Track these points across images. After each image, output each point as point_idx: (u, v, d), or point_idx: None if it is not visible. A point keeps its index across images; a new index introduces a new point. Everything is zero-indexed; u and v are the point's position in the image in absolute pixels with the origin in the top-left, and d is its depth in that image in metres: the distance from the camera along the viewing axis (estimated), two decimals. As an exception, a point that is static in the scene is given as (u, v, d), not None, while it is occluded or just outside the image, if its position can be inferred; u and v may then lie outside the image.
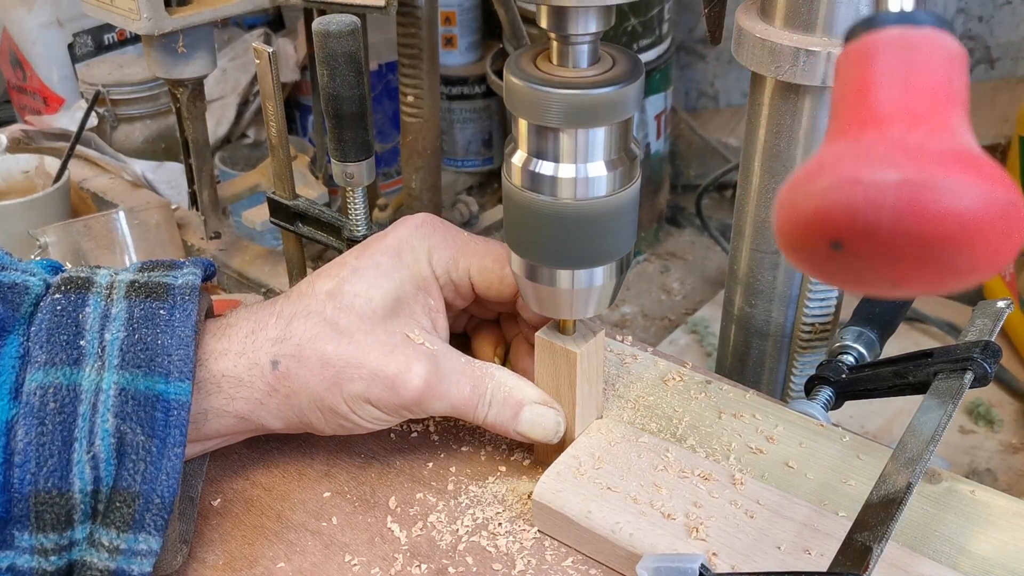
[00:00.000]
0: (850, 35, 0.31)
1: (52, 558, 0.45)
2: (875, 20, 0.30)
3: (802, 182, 0.28)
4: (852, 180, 0.27)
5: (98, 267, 0.52)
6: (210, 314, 0.54)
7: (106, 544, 0.45)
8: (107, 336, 0.47)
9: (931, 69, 0.28)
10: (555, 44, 0.44)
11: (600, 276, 0.48)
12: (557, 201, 0.46)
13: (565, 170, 0.45)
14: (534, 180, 0.46)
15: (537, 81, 0.43)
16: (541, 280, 0.49)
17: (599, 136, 0.44)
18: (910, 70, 0.28)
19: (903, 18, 0.29)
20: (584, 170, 0.45)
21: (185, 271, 0.52)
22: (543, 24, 0.43)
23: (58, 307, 0.48)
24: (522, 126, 0.46)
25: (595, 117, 0.43)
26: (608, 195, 0.46)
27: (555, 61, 0.45)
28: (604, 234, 0.47)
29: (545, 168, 0.45)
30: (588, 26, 0.43)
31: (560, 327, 0.52)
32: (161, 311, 0.48)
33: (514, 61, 0.45)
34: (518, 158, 0.46)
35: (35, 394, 0.45)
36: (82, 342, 0.47)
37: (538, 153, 0.45)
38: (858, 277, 0.28)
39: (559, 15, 0.43)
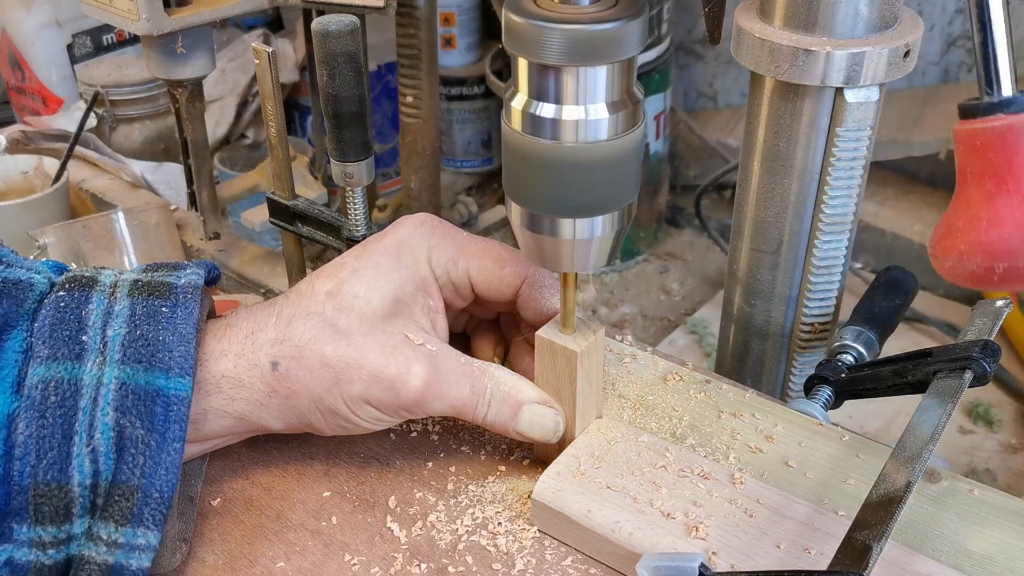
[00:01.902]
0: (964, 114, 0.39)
1: (50, 551, 0.45)
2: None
3: (953, 249, 0.38)
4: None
5: (103, 268, 0.52)
6: (212, 315, 0.55)
7: (104, 538, 0.45)
8: (109, 332, 0.47)
9: None
10: None
11: (601, 226, 0.47)
12: (558, 144, 0.44)
13: (567, 112, 0.44)
14: (534, 123, 0.45)
15: (537, 17, 0.42)
16: (542, 231, 0.48)
17: (600, 75, 0.43)
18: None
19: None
20: (585, 112, 0.44)
21: (188, 271, 0.52)
22: None
23: (62, 304, 0.48)
24: (522, 66, 0.44)
25: (596, 54, 0.42)
26: (610, 138, 0.45)
27: None
28: (606, 180, 0.46)
29: (545, 110, 0.44)
30: None
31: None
32: (163, 308, 0.49)
33: (514, 0, 0.44)
34: (518, 101, 0.45)
35: (36, 388, 0.45)
36: (84, 338, 0.47)
37: (538, 95, 0.44)
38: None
39: None
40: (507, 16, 0.43)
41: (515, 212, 0.48)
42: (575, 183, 0.45)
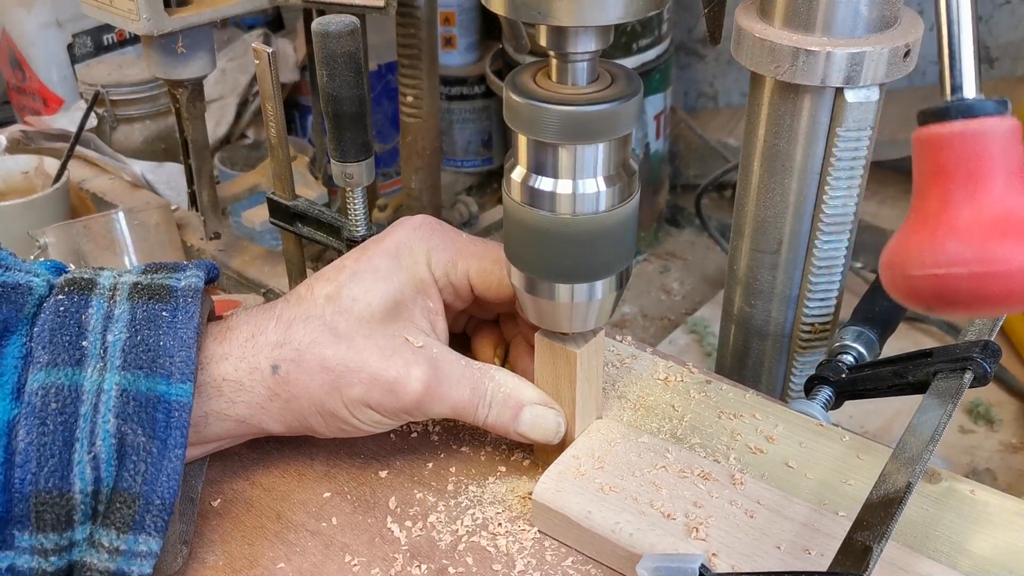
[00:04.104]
0: (923, 119, 0.38)
1: (52, 558, 0.45)
2: (945, 112, 0.37)
3: (897, 263, 0.38)
4: (932, 275, 0.36)
5: (101, 268, 0.52)
6: (212, 316, 0.54)
7: (106, 545, 0.45)
8: (109, 337, 0.47)
9: (991, 155, 0.36)
10: (554, 62, 0.45)
11: (600, 290, 0.49)
12: (556, 216, 0.46)
13: (563, 186, 0.46)
14: (533, 195, 0.46)
15: (536, 97, 0.44)
16: (541, 294, 0.49)
17: (597, 152, 0.45)
18: (973, 162, 0.36)
19: (967, 110, 0.37)
20: (582, 186, 0.46)
21: (188, 273, 0.52)
22: (543, 43, 0.44)
23: (61, 308, 0.48)
24: (521, 142, 0.46)
25: (593, 133, 0.44)
26: (607, 210, 0.46)
27: (554, 78, 0.45)
28: (603, 249, 0.47)
29: (544, 184, 0.46)
30: (587, 45, 0.43)
31: None
32: (164, 313, 0.48)
33: (514, 78, 0.46)
34: (517, 174, 0.47)
35: (37, 394, 0.45)
36: (84, 343, 0.47)
37: (537, 169, 0.46)
38: (950, 316, 0.38)
39: (558, 34, 0.43)
40: (507, 95, 0.45)
41: (515, 275, 0.50)
42: (572, 252, 0.47)
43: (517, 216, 0.48)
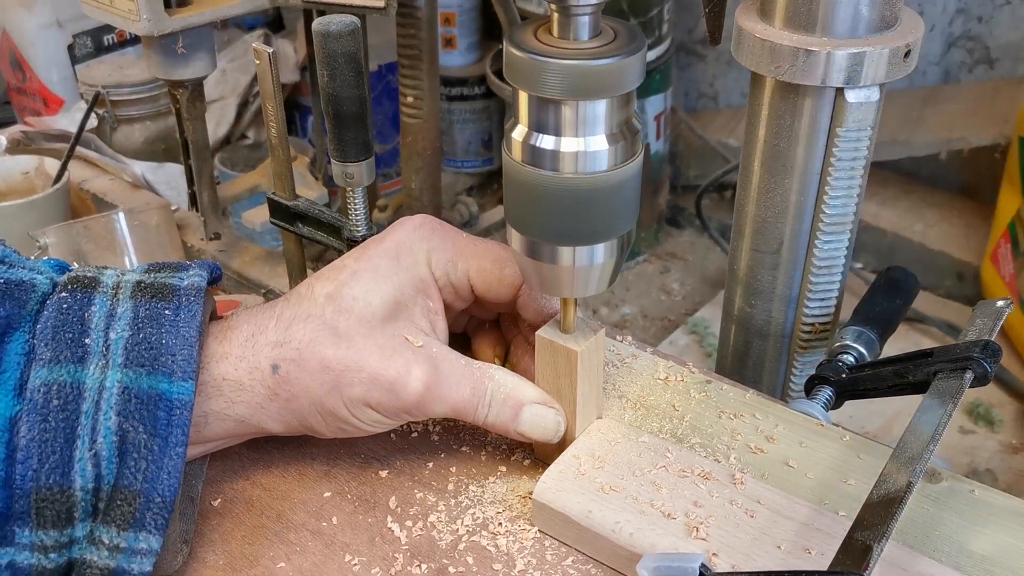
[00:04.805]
0: None
1: (52, 555, 0.45)
2: None
3: None
4: None
5: (105, 267, 0.52)
6: (214, 316, 0.55)
7: (106, 542, 0.45)
8: (112, 335, 0.47)
9: None
10: (556, 16, 0.44)
11: (601, 253, 0.48)
12: (558, 175, 0.45)
13: (566, 144, 0.45)
14: (535, 154, 0.45)
15: (537, 52, 0.43)
16: (542, 258, 0.48)
17: (600, 109, 0.44)
18: None
19: None
20: (584, 144, 0.45)
21: (191, 273, 0.52)
22: None
23: (64, 305, 0.48)
24: (522, 99, 0.45)
25: (595, 89, 0.43)
26: (609, 169, 0.45)
27: (556, 33, 0.44)
28: (605, 210, 0.46)
29: (546, 142, 0.45)
30: None
31: (561, 321, 0.52)
32: (166, 311, 0.48)
33: (514, 33, 0.44)
34: (518, 132, 0.46)
35: (39, 391, 0.45)
36: (87, 340, 0.47)
37: (539, 127, 0.45)
38: None
39: None
40: (508, 50, 0.44)
41: (516, 239, 0.49)
42: (574, 212, 0.46)
43: (518, 176, 0.47)
